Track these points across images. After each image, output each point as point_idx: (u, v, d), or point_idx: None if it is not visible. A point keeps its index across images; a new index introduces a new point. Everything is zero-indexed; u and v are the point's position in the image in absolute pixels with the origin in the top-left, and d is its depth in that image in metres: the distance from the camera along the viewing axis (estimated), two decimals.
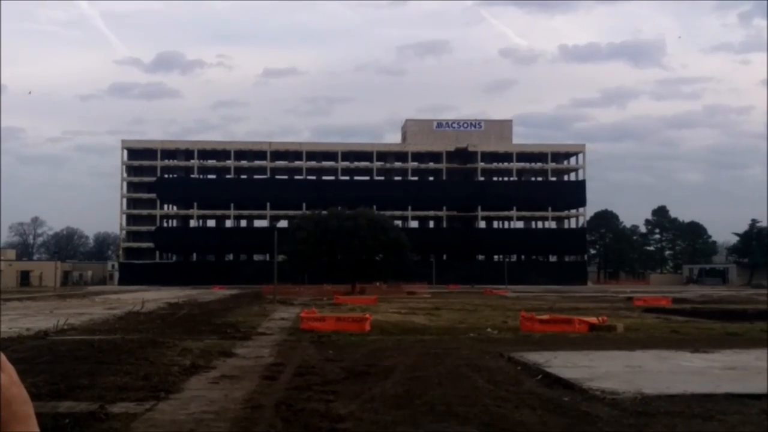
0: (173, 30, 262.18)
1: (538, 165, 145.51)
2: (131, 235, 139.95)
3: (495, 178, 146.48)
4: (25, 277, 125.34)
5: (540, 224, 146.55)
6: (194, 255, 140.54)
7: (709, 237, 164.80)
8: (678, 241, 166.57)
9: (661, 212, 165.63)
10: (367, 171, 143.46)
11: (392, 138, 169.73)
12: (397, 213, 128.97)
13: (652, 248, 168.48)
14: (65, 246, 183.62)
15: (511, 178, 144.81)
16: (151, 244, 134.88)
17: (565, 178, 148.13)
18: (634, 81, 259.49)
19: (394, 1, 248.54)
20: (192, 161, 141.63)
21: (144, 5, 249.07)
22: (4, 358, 1.39)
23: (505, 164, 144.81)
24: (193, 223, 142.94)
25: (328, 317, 30.40)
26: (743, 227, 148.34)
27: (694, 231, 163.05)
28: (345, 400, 12.85)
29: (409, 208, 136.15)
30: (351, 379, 15.46)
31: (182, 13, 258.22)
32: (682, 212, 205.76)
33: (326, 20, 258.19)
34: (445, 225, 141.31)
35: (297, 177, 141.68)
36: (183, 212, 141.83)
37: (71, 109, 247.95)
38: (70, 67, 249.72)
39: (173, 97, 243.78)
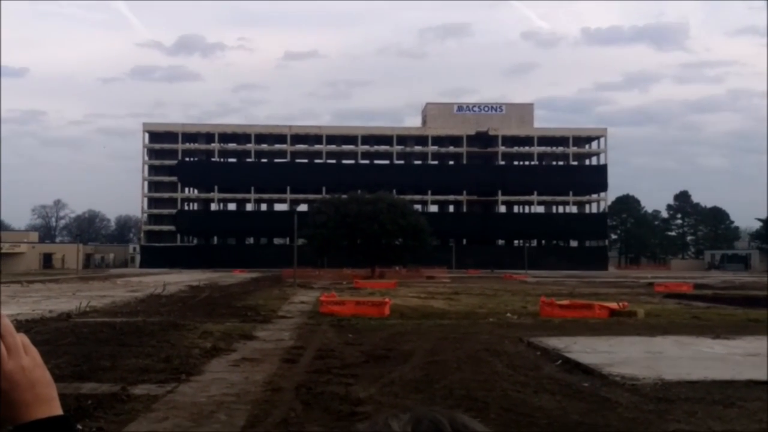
0: (194, 13, 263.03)
1: (560, 149, 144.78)
2: (152, 218, 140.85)
3: (516, 163, 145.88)
4: (47, 260, 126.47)
5: (561, 209, 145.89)
6: (215, 238, 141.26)
7: (732, 222, 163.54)
8: (700, 227, 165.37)
9: (683, 197, 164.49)
10: (387, 155, 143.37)
11: (412, 122, 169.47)
12: (417, 197, 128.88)
13: (673, 233, 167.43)
14: (87, 229, 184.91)
15: (532, 163, 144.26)
16: (172, 227, 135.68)
17: (587, 162, 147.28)
18: (656, 64, 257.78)
19: None
20: (213, 145, 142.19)
21: None
22: (27, 340, 1.41)
23: (526, 148, 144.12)
24: (213, 206, 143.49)
25: (348, 301, 30.49)
26: (766, 213, 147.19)
27: (717, 216, 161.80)
28: (364, 383, 12.91)
29: (429, 192, 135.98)
30: (370, 362, 15.52)
31: None
32: (704, 197, 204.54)
33: (348, 3, 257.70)
34: (465, 209, 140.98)
35: (317, 161, 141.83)
36: (204, 195, 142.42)
37: (93, 92, 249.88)
38: (93, 50, 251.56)
39: (194, 80, 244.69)
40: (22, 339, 1.40)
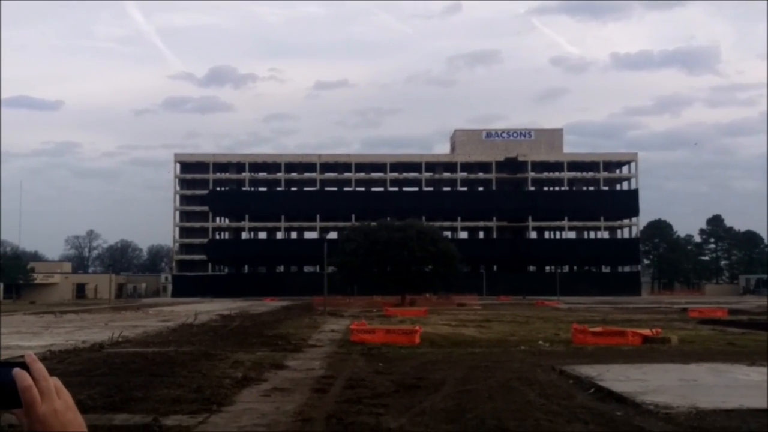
0: (226, 44, 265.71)
1: (590, 174, 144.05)
2: (184, 248, 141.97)
3: (546, 188, 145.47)
4: (80, 290, 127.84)
5: (592, 234, 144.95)
6: (246, 267, 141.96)
7: (767, 246, 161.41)
8: (734, 251, 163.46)
9: (716, 221, 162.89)
10: (416, 182, 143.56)
11: (441, 149, 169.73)
12: (447, 224, 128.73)
13: (707, 258, 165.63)
14: (120, 259, 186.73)
15: (563, 188, 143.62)
16: (203, 257, 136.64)
17: (618, 187, 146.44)
18: (687, 88, 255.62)
19: (444, 13, 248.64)
20: (243, 174, 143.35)
21: (198, 20, 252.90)
22: (60, 384, 1.51)
23: (556, 174, 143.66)
24: (244, 235, 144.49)
25: (378, 329, 30.38)
26: None
27: (751, 240, 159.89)
28: (395, 413, 12.86)
29: (459, 218, 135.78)
30: (401, 392, 15.45)
31: (235, 28, 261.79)
32: (737, 221, 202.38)
33: (377, 32, 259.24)
34: (495, 236, 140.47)
35: (346, 189, 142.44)
36: (235, 224, 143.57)
37: (126, 123, 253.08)
38: (126, 82, 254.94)
39: (226, 111, 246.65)
40: (55, 383, 1.49)
